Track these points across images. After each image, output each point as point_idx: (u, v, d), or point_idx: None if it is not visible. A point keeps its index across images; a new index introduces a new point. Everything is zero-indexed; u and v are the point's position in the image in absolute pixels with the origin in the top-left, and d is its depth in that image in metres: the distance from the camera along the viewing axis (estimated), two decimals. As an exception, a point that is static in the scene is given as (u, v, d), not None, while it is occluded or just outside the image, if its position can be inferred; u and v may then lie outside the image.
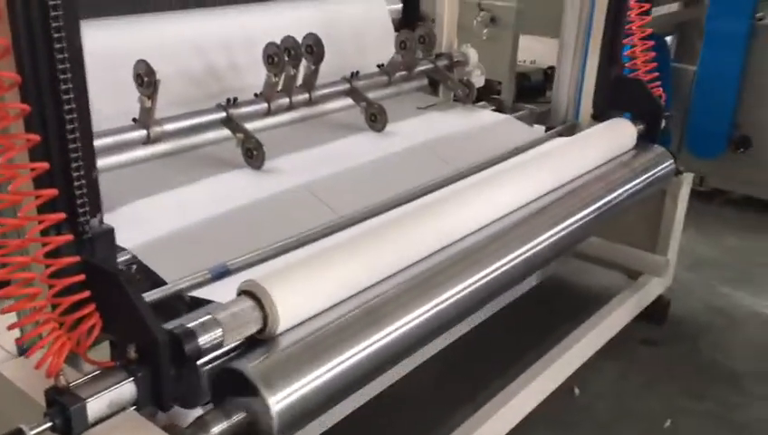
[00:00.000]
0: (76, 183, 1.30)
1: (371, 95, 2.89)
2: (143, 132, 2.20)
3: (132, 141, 2.20)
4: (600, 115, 3.06)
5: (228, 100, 2.42)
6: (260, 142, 2.34)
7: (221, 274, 1.79)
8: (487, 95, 5.35)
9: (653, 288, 3.07)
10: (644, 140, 2.88)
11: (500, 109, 3.31)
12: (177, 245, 1.91)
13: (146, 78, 2.11)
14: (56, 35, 1.21)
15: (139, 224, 1.96)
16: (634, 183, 2.62)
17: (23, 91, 1.21)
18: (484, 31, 5.11)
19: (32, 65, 1.21)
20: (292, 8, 2.99)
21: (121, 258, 1.80)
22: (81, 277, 1.30)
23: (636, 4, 3.00)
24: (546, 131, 3.14)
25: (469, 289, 1.92)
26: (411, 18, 3.51)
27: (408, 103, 3.11)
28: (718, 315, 3.38)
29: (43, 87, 1.23)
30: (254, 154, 2.36)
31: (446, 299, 1.89)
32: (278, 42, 2.43)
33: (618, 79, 3.02)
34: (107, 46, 2.31)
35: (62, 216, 1.27)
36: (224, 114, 2.40)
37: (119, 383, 1.31)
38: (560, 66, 3.19)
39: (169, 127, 2.27)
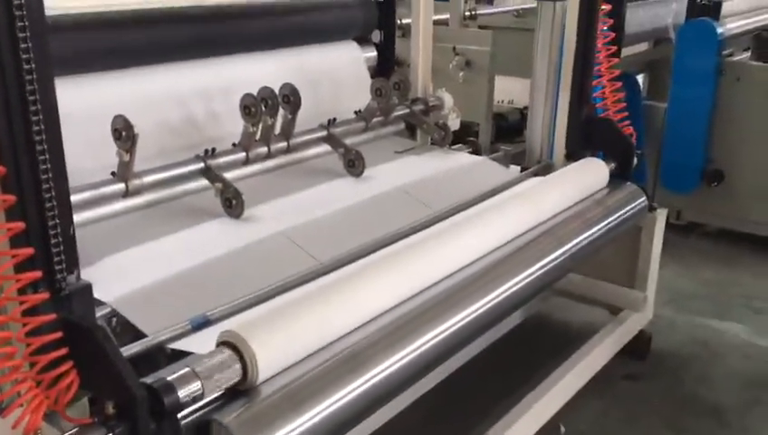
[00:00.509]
0: (53, 241, 1.31)
1: (349, 141, 2.93)
2: (122, 186, 2.21)
3: (111, 195, 2.21)
4: (573, 155, 3.13)
5: (207, 150, 2.45)
6: (239, 192, 2.37)
7: (201, 324, 1.80)
8: (464, 137, 5.46)
9: (634, 323, 3.10)
10: (617, 178, 2.94)
11: (476, 151, 3.38)
12: (157, 296, 1.92)
13: (123, 132, 2.13)
14: (31, 97, 1.24)
15: (120, 276, 1.97)
16: (608, 221, 2.66)
17: (-2, 153, 1.23)
18: (460, 74, 5.21)
19: (6, 127, 1.23)
20: (270, 58, 3.05)
21: (102, 312, 1.81)
22: (58, 335, 1.31)
23: (603, 46, 3.09)
24: (522, 172, 3.20)
25: (450, 331, 1.95)
26: (386, 65, 3.59)
27: (385, 148, 3.15)
28: (700, 348, 3.42)
29: (18, 148, 1.24)
30: (233, 203, 2.38)
31: (427, 342, 1.91)
32: (255, 91, 2.48)
33: (589, 119, 3.10)
34: (88, 102, 2.36)
35: (38, 274, 1.28)
36: (202, 165, 2.42)
37: (97, 440, 1.31)
38: (532, 107, 3.26)
39: (148, 179, 2.29)
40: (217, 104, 2.71)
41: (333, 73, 3.27)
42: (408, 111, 3.25)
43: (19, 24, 1.20)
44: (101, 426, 1.31)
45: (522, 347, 3.20)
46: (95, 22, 2.43)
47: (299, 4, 3.10)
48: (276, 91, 2.53)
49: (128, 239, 2.15)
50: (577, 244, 2.49)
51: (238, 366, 1.52)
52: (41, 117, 1.26)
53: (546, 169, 3.16)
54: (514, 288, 2.20)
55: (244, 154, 2.56)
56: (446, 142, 3.24)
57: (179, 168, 2.38)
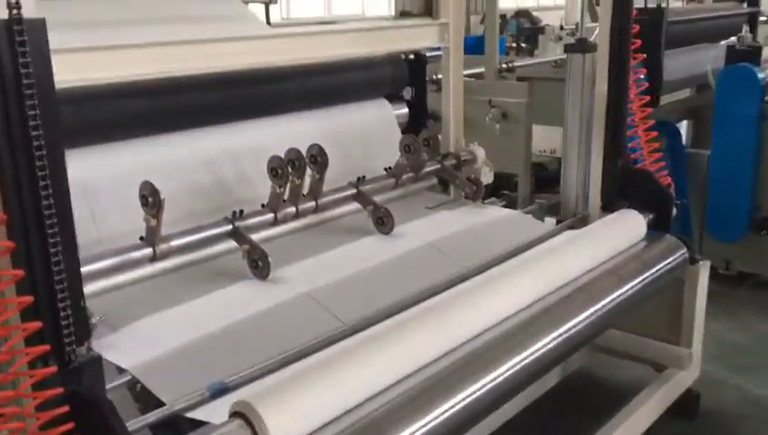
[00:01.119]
0: (62, 314, 1.32)
1: (380, 198, 2.93)
2: (149, 250, 2.24)
3: (139, 259, 2.23)
4: (609, 206, 3.05)
5: (234, 212, 2.47)
6: (265, 253, 2.37)
7: (219, 392, 1.77)
8: (503, 189, 5.42)
9: (680, 381, 2.96)
10: (655, 231, 2.85)
11: (510, 204, 3.33)
12: (177, 362, 1.92)
13: (150, 198, 2.17)
14: (41, 173, 1.26)
15: (142, 342, 1.98)
16: (645, 275, 2.58)
17: (9, 229, 1.25)
18: (497, 126, 5.22)
19: (17, 202, 1.25)
20: (300, 119, 3.08)
21: (123, 380, 1.82)
22: (65, 409, 1.30)
23: (637, 96, 3.04)
24: (557, 224, 3.14)
25: (479, 393, 1.89)
26: (418, 120, 3.60)
27: (417, 204, 3.14)
28: (752, 407, 3.24)
29: (28, 223, 1.26)
30: (259, 265, 2.38)
31: (454, 406, 1.85)
32: (285, 152, 2.50)
33: (624, 169, 3.03)
34: (120, 168, 2.41)
35: (47, 348, 1.28)
36: (230, 227, 2.44)
37: None
38: (565, 159, 3.21)
39: (176, 243, 2.31)
40: (248, 166, 2.74)
41: (364, 131, 3.29)
42: (438, 166, 3.24)
43: (29, 102, 1.23)
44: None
45: (563, 406, 3.09)
46: (129, 91, 2.49)
47: (327, 65, 3.14)
48: (304, 152, 2.55)
49: (154, 304, 2.16)
50: (612, 300, 2.40)
51: (251, 438, 1.48)
52: (50, 192, 1.28)
53: (582, 221, 3.09)
54: (547, 347, 2.13)
55: (272, 215, 2.57)
56: (479, 197, 3.20)
57: (207, 230, 2.40)
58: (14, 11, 1.18)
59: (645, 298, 2.60)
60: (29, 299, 1.27)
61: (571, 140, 3.15)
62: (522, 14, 14.39)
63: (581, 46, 3.03)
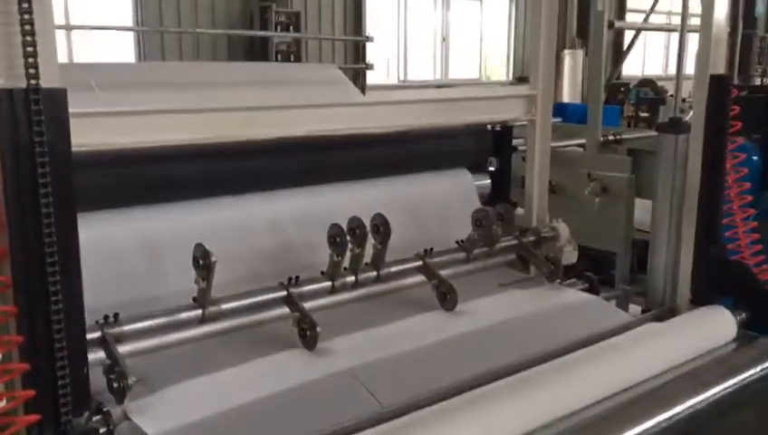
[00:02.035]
0: (60, 382, 1.30)
1: (449, 272, 2.82)
2: (198, 312, 2.24)
3: (187, 321, 2.23)
4: (699, 299, 2.79)
5: (290, 278, 2.44)
6: (314, 323, 2.31)
7: (233, 471, 1.71)
8: (603, 268, 5.15)
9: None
10: (750, 331, 2.57)
11: (592, 287, 3.12)
12: (202, 433, 1.87)
13: (201, 260, 2.17)
14: (47, 239, 1.26)
15: (174, 408, 1.96)
16: (731, 382, 2.30)
17: (14, 293, 1.25)
18: (596, 200, 4.99)
19: (23, 267, 1.25)
20: (373, 186, 3.05)
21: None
22: (49, 485, 1.28)
23: (735, 182, 2.79)
24: (642, 314, 2.91)
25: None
26: (501, 193, 3.48)
27: (489, 280, 3.00)
28: None
29: (32, 290, 1.26)
30: (307, 334, 2.32)
31: None
32: (359, 218, 2.46)
33: (718, 260, 2.77)
34: (184, 227, 2.45)
35: (37, 418, 1.27)
36: (284, 293, 2.41)
37: None
38: (654, 244, 2.98)
39: (226, 306, 2.30)
40: (318, 232, 2.71)
41: (441, 202, 3.21)
42: (515, 242, 3.09)
43: (40, 170, 1.24)
44: None
45: None
46: (198, 152, 2.55)
47: (405, 133, 3.10)
48: (364, 221, 2.49)
49: (195, 367, 2.14)
50: (687, 408, 2.15)
51: None
52: (56, 259, 1.28)
53: (670, 313, 2.84)
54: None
55: (329, 283, 2.52)
56: (556, 277, 3.02)
57: (260, 295, 2.38)
58: (32, 81, 1.20)
59: (732, 408, 2.32)
60: (25, 366, 1.25)
61: (661, 223, 2.93)
62: (645, 82, 13.99)
63: (674, 126, 2.83)
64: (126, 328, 2.08)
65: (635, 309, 3.03)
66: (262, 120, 2.56)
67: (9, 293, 1.25)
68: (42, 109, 1.22)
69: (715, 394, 2.24)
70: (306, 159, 2.90)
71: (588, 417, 2.04)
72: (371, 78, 12.27)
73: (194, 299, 2.27)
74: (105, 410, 1.90)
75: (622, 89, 12.92)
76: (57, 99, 1.26)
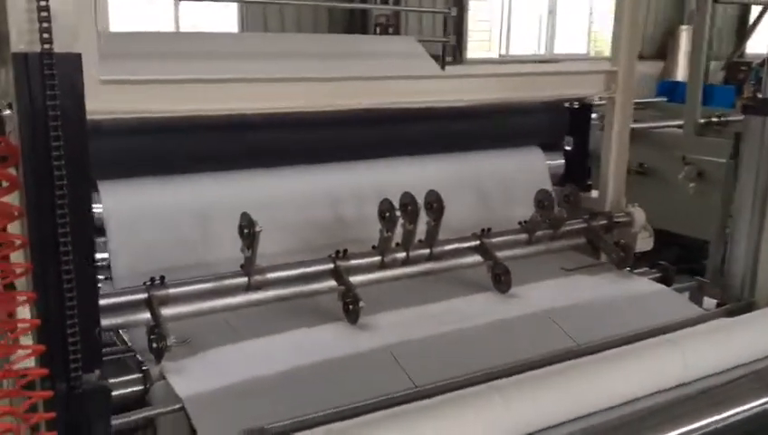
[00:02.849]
0: (71, 340, 1.35)
1: (508, 253, 2.74)
2: (244, 279, 2.27)
3: (233, 287, 2.27)
4: (780, 296, 2.59)
5: (338, 251, 2.43)
6: (358, 297, 2.30)
7: (253, 437, 1.73)
8: (694, 257, 4.86)
9: None
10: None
11: (665, 277, 2.94)
12: (232, 399, 1.91)
13: (246, 229, 2.20)
14: (59, 202, 1.30)
15: (208, 372, 2.00)
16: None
17: (31, 252, 1.30)
18: (690, 186, 4.71)
19: (36, 224, 1.30)
20: (438, 161, 3.00)
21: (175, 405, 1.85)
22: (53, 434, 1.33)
23: (828, 169, 2.55)
24: (717, 308, 2.73)
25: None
26: (577, 173, 3.34)
27: (553, 264, 2.89)
28: None
29: (46, 250, 1.31)
30: (350, 308, 2.31)
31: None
32: (411, 194, 2.42)
33: (803, 255, 2.55)
34: (240, 197, 2.49)
35: (45, 372, 1.32)
36: (331, 265, 2.40)
37: None
38: (734, 235, 2.77)
39: (272, 275, 2.32)
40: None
41: (509, 180, 3.11)
42: (584, 225, 2.96)
43: (53, 133, 1.27)
44: None
45: None
46: (256, 122, 2.57)
47: (476, 109, 3.01)
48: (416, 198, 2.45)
49: (238, 334, 2.18)
50: (746, 410, 2.00)
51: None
52: (68, 220, 1.32)
53: (745, 309, 2.64)
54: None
55: (378, 258, 2.50)
56: (625, 265, 2.87)
57: (306, 266, 2.39)
58: (46, 45, 1.22)
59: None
60: (37, 322, 1.30)
61: (742, 212, 2.72)
62: (769, 61, 12.99)
63: (763, 107, 2.60)
64: (171, 291, 2.14)
65: (711, 303, 2.84)
66: (324, 92, 2.53)
67: (25, 251, 1.30)
68: (55, 73, 1.25)
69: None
70: (370, 133, 2.88)
71: (629, 413, 1.92)
72: (473, 51, 12.08)
73: (241, 267, 2.31)
74: (144, 368, 2.00)
75: (743, 68, 12.08)
76: (71, 64, 1.28)
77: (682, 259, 5.23)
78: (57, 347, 1.35)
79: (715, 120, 5.13)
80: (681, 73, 12.65)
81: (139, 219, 2.33)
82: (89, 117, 1.45)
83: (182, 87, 1.89)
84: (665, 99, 6.97)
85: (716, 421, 1.93)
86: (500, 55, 12.41)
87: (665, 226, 5.16)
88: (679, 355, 2.10)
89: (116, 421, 1.77)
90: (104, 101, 1.60)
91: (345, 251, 2.43)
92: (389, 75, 2.69)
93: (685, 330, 2.29)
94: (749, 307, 2.64)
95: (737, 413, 1.97)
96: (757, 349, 2.20)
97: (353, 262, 2.44)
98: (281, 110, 2.45)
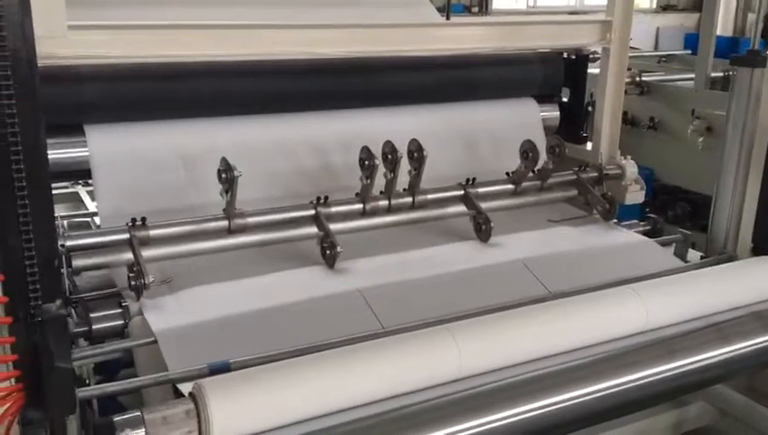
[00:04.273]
0: (29, 270, 1.43)
1: (494, 204, 2.77)
2: (224, 223, 2.34)
3: (213, 231, 2.34)
4: (761, 249, 2.59)
5: (319, 198, 2.49)
6: (335, 242, 2.36)
7: (218, 369, 1.81)
8: (700, 213, 4.82)
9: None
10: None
11: (654, 230, 2.95)
12: (203, 335, 1.99)
13: (224, 174, 2.26)
14: (12, 139, 1.37)
15: (185, 309, 2.09)
16: (765, 338, 2.14)
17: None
18: (700, 140, 4.66)
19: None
20: (430, 112, 3.01)
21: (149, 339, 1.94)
22: (13, 357, 1.42)
23: (816, 123, 2.52)
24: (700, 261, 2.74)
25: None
26: (573, 125, 3.33)
27: (540, 215, 2.91)
28: None
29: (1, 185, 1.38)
30: (327, 253, 2.38)
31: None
32: (392, 144, 2.46)
33: (786, 209, 2.54)
34: (228, 142, 2.54)
35: (5, 299, 1.41)
36: (312, 211, 2.46)
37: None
38: (719, 188, 2.76)
39: (253, 220, 2.39)
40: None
41: (501, 131, 3.12)
42: (573, 177, 2.97)
43: (1, 72, 1.34)
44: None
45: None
46: (245, 69, 2.61)
47: (467, 57, 3.01)
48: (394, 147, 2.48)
49: (217, 276, 2.26)
50: (701, 359, 2.03)
51: (193, 421, 1.50)
52: (22, 157, 1.39)
53: (725, 262, 2.64)
54: (579, 399, 1.86)
55: (359, 206, 2.55)
56: (610, 217, 2.88)
57: (287, 212, 2.45)
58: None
59: (761, 364, 2.17)
60: (-7, 253, 1.39)
61: (728, 166, 2.71)
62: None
63: (751, 59, 2.57)
64: (152, 232, 2.23)
65: (696, 256, 2.84)
66: (321, 39, 2.55)
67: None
68: (2, 15, 1.30)
69: (741, 348, 2.09)
70: (361, 81, 2.90)
71: (582, 359, 1.96)
72: (500, 2, 11.89)
73: (223, 211, 2.38)
74: (124, 304, 2.10)
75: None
76: (18, 5, 1.33)
77: (694, 215, 5.21)
78: (17, 277, 1.43)
79: (723, 74, 5.01)
80: (719, 26, 12.28)
81: (125, 163, 2.41)
82: (57, 62, 1.51)
83: (152, 33, 1.94)
84: (688, 52, 6.82)
85: (670, 369, 1.96)
86: (528, 6, 12.18)
87: (676, 181, 5.15)
88: (641, 305, 2.12)
89: (91, 352, 1.91)
90: (71, 46, 1.65)
91: (326, 198, 2.49)
92: (381, 24, 2.71)
93: (651, 281, 2.31)
94: (729, 260, 2.64)
95: (692, 362, 2.00)
96: (719, 301, 2.22)
97: (334, 209, 2.50)
98: (264, 57, 2.51)
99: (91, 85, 2.35)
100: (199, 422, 1.51)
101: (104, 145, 2.39)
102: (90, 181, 2.41)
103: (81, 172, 2.44)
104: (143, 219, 2.22)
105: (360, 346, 1.85)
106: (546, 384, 1.83)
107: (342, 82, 2.85)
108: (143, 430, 1.46)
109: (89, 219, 3.02)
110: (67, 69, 2.15)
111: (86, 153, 2.35)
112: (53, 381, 1.42)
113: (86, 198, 3.63)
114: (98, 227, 2.40)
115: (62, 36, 1.63)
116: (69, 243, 2.09)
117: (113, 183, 2.38)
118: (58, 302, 1.50)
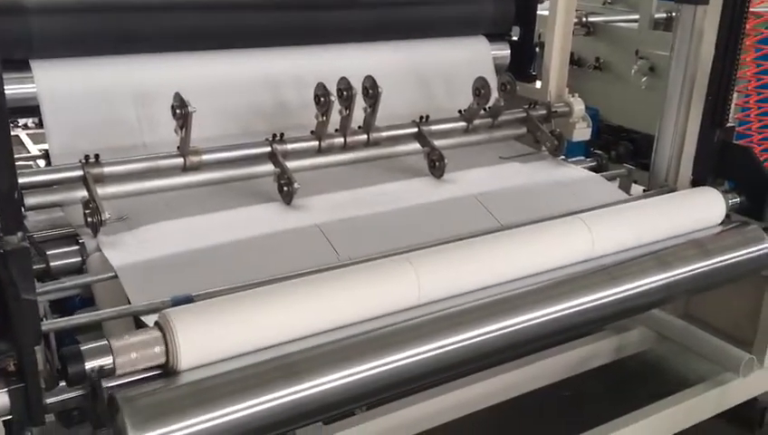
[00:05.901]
0: (-10, 201, 1.42)
1: (447, 141, 2.82)
2: (179, 160, 2.33)
3: (168, 168, 2.34)
4: (700, 182, 2.71)
5: (275, 135, 2.49)
6: (292, 179, 2.38)
7: (180, 302, 1.83)
8: (643, 152, 4.96)
9: (741, 389, 2.63)
10: (742, 215, 2.50)
11: (599, 165, 3.05)
12: (163, 269, 2.01)
13: (178, 110, 2.24)
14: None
15: (144, 245, 2.09)
16: (702, 264, 2.27)
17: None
18: (643, 80, 4.76)
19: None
20: (378, 49, 3.02)
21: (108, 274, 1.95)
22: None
23: (754, 61, 2.62)
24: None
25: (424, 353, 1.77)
26: (523, 64, 3.38)
27: (491, 152, 2.98)
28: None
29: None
30: (284, 190, 2.40)
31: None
32: (347, 80, 2.47)
33: (723, 144, 2.66)
34: (178, 79, 2.51)
35: (-35, 231, 1.40)
36: (268, 149, 2.47)
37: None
38: (661, 124, 2.87)
39: (207, 157, 2.39)
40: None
41: (451, 70, 3.15)
42: (523, 115, 3.03)
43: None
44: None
45: (612, 383, 2.89)
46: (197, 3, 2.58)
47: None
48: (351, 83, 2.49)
49: (172, 212, 2.26)
50: (640, 285, 2.14)
51: (160, 349, 1.54)
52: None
53: (668, 193, 2.76)
54: (540, 319, 1.96)
55: (315, 143, 2.57)
56: (558, 153, 2.97)
57: (243, 149, 2.45)
58: None
59: (697, 288, 2.31)
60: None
61: (670, 102, 2.81)
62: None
63: (694, -4, 2.64)
64: (106, 169, 2.21)
65: (637, 190, 2.96)
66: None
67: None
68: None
69: (677, 274, 2.21)
70: (314, 17, 2.88)
71: (532, 285, 2.05)
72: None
73: (178, 149, 2.37)
74: (81, 241, 2.09)
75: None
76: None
77: (636, 154, 5.36)
78: (-24, 210, 1.43)
79: (666, 15, 5.10)
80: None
81: (75, 99, 2.36)
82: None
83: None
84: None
85: (613, 293, 2.08)
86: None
87: (619, 121, 5.27)
88: (588, 233, 2.22)
89: (51, 287, 1.91)
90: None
91: (282, 135, 2.50)
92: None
93: (597, 210, 2.41)
94: (670, 193, 2.76)
95: (633, 287, 2.12)
96: (661, 230, 2.33)
97: (290, 146, 2.51)
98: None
99: (38, 18, 2.29)
100: (167, 350, 1.55)
101: (52, 81, 2.34)
102: (29, 125, 2.36)
103: (28, 109, 2.37)
104: (96, 156, 2.20)
105: (322, 275, 1.90)
106: (499, 309, 1.92)
107: (297, 17, 2.84)
108: (111, 356, 1.49)
109: (31, 163, 2.97)
110: (12, 1, 2.09)
111: (33, 89, 2.30)
112: (20, 313, 1.43)
113: (27, 142, 3.55)
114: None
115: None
116: (22, 180, 2.06)
117: (63, 120, 2.34)
118: (19, 234, 1.50)
